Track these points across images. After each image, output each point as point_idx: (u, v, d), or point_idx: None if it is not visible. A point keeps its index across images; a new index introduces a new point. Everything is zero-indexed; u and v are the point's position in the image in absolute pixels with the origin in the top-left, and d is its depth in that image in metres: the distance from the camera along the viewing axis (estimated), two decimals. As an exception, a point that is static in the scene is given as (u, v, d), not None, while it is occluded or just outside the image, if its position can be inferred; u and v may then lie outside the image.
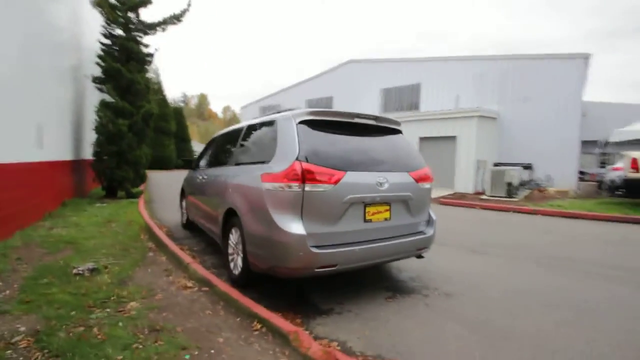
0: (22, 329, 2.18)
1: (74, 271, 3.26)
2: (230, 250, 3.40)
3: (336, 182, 2.64)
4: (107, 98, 8.30)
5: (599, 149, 20.06)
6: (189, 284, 3.12)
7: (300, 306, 2.83)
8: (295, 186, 2.53)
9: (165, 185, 14.20)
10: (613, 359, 2.10)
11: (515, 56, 15.84)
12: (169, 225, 6.03)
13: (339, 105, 22.14)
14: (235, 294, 2.74)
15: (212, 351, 2.03)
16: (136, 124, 8.37)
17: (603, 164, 20.55)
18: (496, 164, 13.94)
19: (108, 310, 2.51)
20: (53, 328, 2.18)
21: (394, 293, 3.15)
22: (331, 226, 2.65)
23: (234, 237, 3.29)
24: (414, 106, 18.94)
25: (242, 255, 3.06)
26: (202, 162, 5.58)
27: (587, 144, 18.23)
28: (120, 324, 2.29)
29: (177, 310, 2.57)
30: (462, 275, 3.64)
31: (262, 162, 2.97)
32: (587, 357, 2.12)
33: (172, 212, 7.44)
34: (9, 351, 1.92)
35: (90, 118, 8.50)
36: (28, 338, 2.06)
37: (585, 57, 14.58)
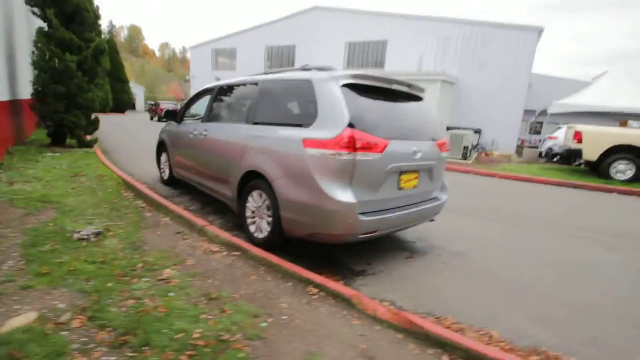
0: (62, 306, 1.96)
1: (76, 236, 2.92)
2: (248, 214, 3.30)
3: (382, 151, 2.63)
4: (46, 27, 6.85)
5: (534, 119, 22.37)
6: (215, 248, 3.00)
7: (333, 267, 2.92)
8: (347, 154, 2.47)
9: (114, 132, 12.74)
10: (598, 302, 2.59)
11: (478, 22, 16.25)
12: (146, 180, 5.55)
13: (302, 56, 21.11)
14: (275, 258, 2.72)
15: (285, 317, 2.05)
16: (86, 61, 7.14)
17: (535, 132, 23.13)
18: (449, 128, 14.84)
19: (146, 280, 2.34)
20: (100, 303, 1.99)
21: (411, 253, 3.39)
22: (373, 194, 2.69)
23: (255, 200, 3.17)
24: (380, 64, 18.83)
25: (271, 219, 2.99)
26: (191, 115, 5.09)
27: (526, 113, 20.16)
28: (172, 294, 2.17)
29: (220, 277, 2.50)
30: (460, 236, 4.00)
31: (299, 126, 2.81)
32: (581, 300, 2.57)
33: (138, 164, 6.85)
34: (64, 332, 1.73)
35: (25, 50, 7.03)
36: (78, 316, 1.86)
37: (539, 30, 15.52)
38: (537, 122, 22.55)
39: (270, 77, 3.38)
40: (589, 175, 9.36)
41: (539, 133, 23.43)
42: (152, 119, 26.09)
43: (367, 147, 2.54)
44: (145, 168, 6.51)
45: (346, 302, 2.24)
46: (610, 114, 15.05)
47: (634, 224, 5.07)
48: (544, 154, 13.41)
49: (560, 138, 13.76)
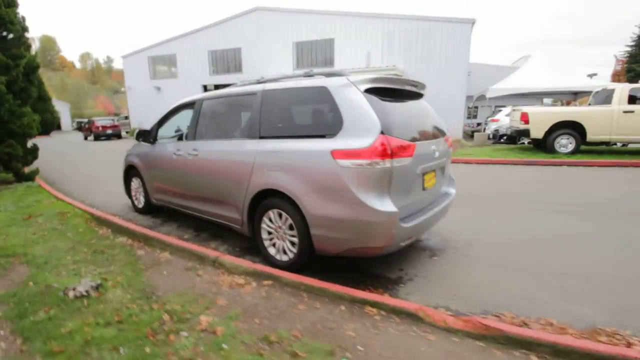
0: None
1: (72, 294, 2.43)
2: (264, 235, 3.05)
3: (413, 154, 2.57)
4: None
5: (471, 104, 24.26)
6: (240, 280, 2.70)
7: (367, 279, 2.80)
8: (384, 162, 2.36)
9: (49, 158, 11.21)
10: (609, 271, 2.80)
11: (418, 17, 17.10)
12: (115, 211, 4.92)
13: (249, 58, 20.51)
14: (315, 281, 2.52)
15: (360, 348, 1.88)
16: (17, 81, 6.12)
17: (473, 117, 25.11)
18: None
19: (185, 334, 2.01)
20: (148, 375, 1.65)
21: (432, 251, 3.39)
22: (406, 199, 2.62)
23: (273, 220, 2.93)
24: (329, 62, 18.96)
25: (296, 239, 2.78)
26: (171, 134, 4.60)
27: (466, 99, 21.75)
28: (225, 346, 1.88)
29: (265, 314, 2.24)
30: (461, 225, 4.08)
31: (320, 136, 2.62)
32: (594, 272, 2.77)
33: (95, 192, 6.12)
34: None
35: None
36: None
37: (471, 22, 16.77)
38: (473, 106, 24.53)
39: (269, 86, 3.13)
40: (536, 151, 10.34)
41: (475, 117, 25.52)
42: (86, 138, 23.61)
43: (401, 152, 2.45)
44: (106, 196, 5.79)
45: (411, 317, 2.14)
46: (533, 94, 16.97)
47: (596, 192, 5.65)
48: (491, 136, 14.55)
49: (502, 120, 15.10)
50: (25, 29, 6.49)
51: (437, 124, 3.30)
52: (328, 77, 2.76)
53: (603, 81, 15.22)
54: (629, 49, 45.10)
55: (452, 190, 3.57)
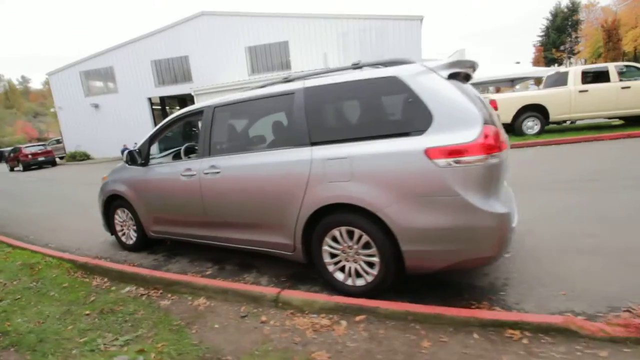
0: None
1: (110, 384, 1.73)
2: (327, 259, 2.55)
3: (507, 145, 2.28)
4: None
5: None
6: (324, 321, 2.17)
7: (457, 292, 2.44)
8: (492, 157, 2.02)
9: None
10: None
11: (371, 16, 17.38)
12: (97, 252, 4.01)
13: (199, 67, 19.29)
14: (425, 308, 2.09)
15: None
16: None
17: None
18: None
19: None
20: None
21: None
22: (502, 197, 2.31)
23: (341, 240, 2.44)
24: (286, 65, 18.51)
25: (376, 259, 2.32)
26: (161, 153, 3.86)
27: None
28: None
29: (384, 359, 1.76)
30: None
31: (402, 135, 2.20)
32: None
33: (58, 232, 5.05)
34: None
35: None
36: None
37: (420, 19, 17.44)
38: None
39: (311, 82, 2.64)
40: (508, 135, 10.88)
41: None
42: (12, 169, 20.44)
43: (503, 144, 2.13)
44: (73, 235, 4.79)
45: (563, 333, 1.81)
46: (479, 84, 18.17)
47: (584, 167, 5.92)
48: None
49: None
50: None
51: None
52: (395, 66, 2.36)
53: (530, 68, 16.74)
54: (539, 38, 50.73)
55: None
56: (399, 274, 2.32)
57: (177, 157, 4.08)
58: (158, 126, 3.62)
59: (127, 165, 3.83)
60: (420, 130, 2.15)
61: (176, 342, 2.12)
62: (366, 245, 2.37)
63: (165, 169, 3.46)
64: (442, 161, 2.04)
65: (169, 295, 2.78)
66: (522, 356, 1.72)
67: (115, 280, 3.17)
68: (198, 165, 3.13)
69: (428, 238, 2.13)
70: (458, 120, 2.08)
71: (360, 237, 2.38)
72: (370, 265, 2.41)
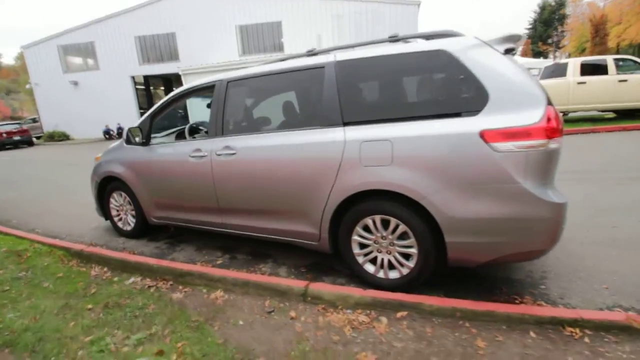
0: None
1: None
2: (357, 250, 2.36)
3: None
4: None
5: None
6: (362, 317, 1.98)
7: (494, 287, 2.31)
8: (554, 141, 1.85)
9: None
10: None
11: (367, -2, 16.88)
12: (89, 238, 3.70)
13: (187, 45, 18.40)
14: (474, 304, 1.93)
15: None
16: None
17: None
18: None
19: None
20: None
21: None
22: None
23: (377, 229, 2.24)
24: (278, 47, 17.90)
25: (414, 250, 2.14)
26: (163, 131, 3.55)
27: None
28: None
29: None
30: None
31: (452, 115, 1.99)
32: None
33: (45, 216, 4.70)
34: None
35: None
36: None
37: (417, 3, 17.09)
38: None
39: (343, 55, 2.37)
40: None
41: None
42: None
43: (561, 127, 1.96)
44: (62, 220, 4.43)
45: (626, 331, 1.69)
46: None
47: (589, 159, 5.92)
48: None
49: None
50: None
51: None
52: (441, 39, 2.13)
53: (520, 59, 16.76)
54: (527, 31, 51.32)
55: None
56: (436, 267, 2.16)
57: (179, 137, 3.76)
58: (161, 101, 3.28)
59: (125, 144, 3.49)
60: (474, 111, 1.94)
61: (198, 342, 1.89)
62: (402, 236, 2.19)
63: (171, 150, 3.16)
64: (500, 145, 1.85)
65: (181, 287, 2.54)
66: (587, 357, 1.59)
67: (117, 270, 2.89)
68: (209, 146, 2.84)
69: (477, 229, 1.96)
70: (518, 100, 1.88)
71: (396, 227, 2.19)
72: (406, 257, 2.23)
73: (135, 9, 18.15)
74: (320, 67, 2.42)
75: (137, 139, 3.30)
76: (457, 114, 1.99)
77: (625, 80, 9.03)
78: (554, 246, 1.99)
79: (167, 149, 3.20)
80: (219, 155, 2.76)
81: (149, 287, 2.58)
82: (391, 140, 2.09)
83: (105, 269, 2.93)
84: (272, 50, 17.94)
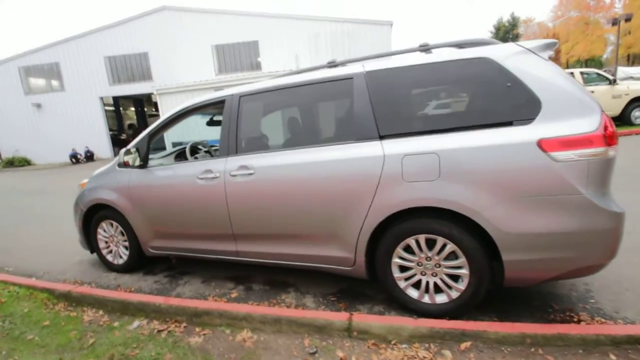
0: None
1: None
2: (397, 274, 2.16)
3: None
4: None
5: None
6: (422, 353, 1.76)
7: (535, 305, 2.17)
8: (612, 149, 1.77)
9: None
10: None
11: (342, 19, 17.34)
12: (72, 275, 3.25)
13: (161, 65, 17.93)
14: (540, 327, 1.76)
15: None
16: None
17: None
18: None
19: None
20: None
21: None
22: None
23: (421, 250, 2.06)
24: (256, 66, 17.83)
25: (465, 271, 1.98)
26: (162, 152, 3.25)
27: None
28: None
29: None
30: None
31: (503, 124, 1.87)
32: None
33: (17, 252, 4.16)
34: None
35: None
36: None
37: (390, 24, 17.75)
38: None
39: (374, 66, 2.23)
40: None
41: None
42: None
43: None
44: (37, 256, 3.91)
45: None
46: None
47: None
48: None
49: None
50: None
51: None
52: (484, 46, 2.04)
53: None
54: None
55: None
56: (494, 287, 2.00)
57: (179, 157, 3.45)
58: (162, 119, 2.99)
59: (117, 167, 3.14)
60: (526, 119, 1.84)
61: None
62: (450, 256, 2.02)
63: (174, 172, 2.85)
64: (560, 154, 1.75)
65: (198, 329, 2.20)
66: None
67: (115, 312, 2.50)
68: (222, 166, 2.58)
69: (538, 245, 1.83)
70: (571, 108, 1.80)
71: (443, 247, 2.02)
72: (454, 278, 2.06)
73: (104, 29, 17.50)
74: (347, 79, 2.27)
75: (133, 161, 2.96)
76: (508, 123, 1.88)
77: (592, 92, 9.66)
78: (613, 259, 1.89)
79: (169, 171, 2.89)
80: (234, 175, 2.50)
81: (159, 331, 2.22)
82: (437, 152, 1.95)
83: (101, 312, 2.52)
84: (250, 69, 17.84)
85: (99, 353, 2.02)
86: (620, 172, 2.56)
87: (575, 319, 1.97)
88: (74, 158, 17.89)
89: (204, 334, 2.14)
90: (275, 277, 2.85)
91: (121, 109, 23.80)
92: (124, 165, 3.03)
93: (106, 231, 3.28)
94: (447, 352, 1.75)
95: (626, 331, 1.70)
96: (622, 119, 9.58)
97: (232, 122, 2.60)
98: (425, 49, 2.27)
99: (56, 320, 2.44)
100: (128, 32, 17.57)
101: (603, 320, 1.94)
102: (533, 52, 1.93)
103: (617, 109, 9.58)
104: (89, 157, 18.41)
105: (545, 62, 1.90)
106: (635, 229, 3.09)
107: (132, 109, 25.23)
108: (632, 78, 14.92)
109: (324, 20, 17.21)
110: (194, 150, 3.58)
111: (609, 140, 1.74)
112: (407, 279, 2.16)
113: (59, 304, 2.68)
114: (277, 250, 2.50)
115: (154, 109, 24.36)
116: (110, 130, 20.04)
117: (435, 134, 2.00)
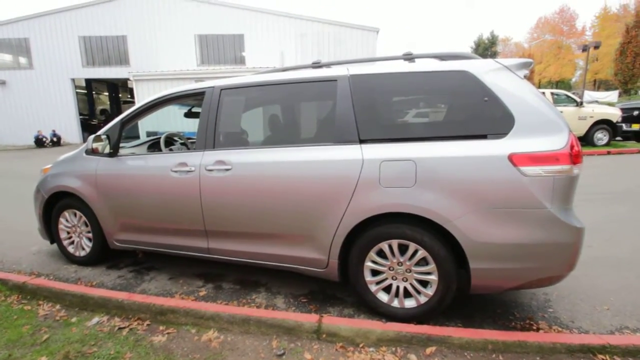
0: None
1: None
2: (369, 278, 2.18)
3: None
4: None
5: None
6: (389, 357, 1.78)
7: (497, 311, 2.26)
8: (577, 167, 1.87)
9: None
10: None
11: (329, 21, 17.39)
12: (28, 267, 3.06)
13: (139, 50, 17.26)
14: (502, 334, 1.83)
15: None
16: None
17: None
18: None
19: None
20: None
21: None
22: None
23: (393, 255, 2.09)
24: (240, 60, 17.55)
25: (434, 277, 2.03)
26: (134, 141, 3.12)
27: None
28: None
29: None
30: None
31: (478, 137, 1.93)
32: None
33: None
34: None
35: None
36: None
37: (376, 30, 17.99)
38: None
39: (358, 70, 2.24)
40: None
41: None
42: None
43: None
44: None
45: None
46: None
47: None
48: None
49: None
50: None
51: None
52: (464, 60, 2.10)
53: None
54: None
55: None
56: (461, 293, 2.06)
57: (152, 148, 3.32)
58: (135, 107, 2.87)
59: (84, 154, 2.98)
60: (500, 134, 1.91)
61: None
62: (421, 262, 2.06)
63: (146, 162, 2.74)
64: (529, 169, 1.82)
65: (162, 327, 2.12)
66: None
67: (73, 307, 2.37)
68: (197, 160, 2.50)
69: (504, 254, 1.90)
70: (542, 125, 1.89)
71: (415, 252, 2.06)
72: (424, 284, 2.10)
73: (81, 7, 16.62)
74: (331, 80, 2.27)
75: (103, 149, 2.82)
76: (482, 136, 1.94)
77: (561, 112, 10.19)
78: (571, 271, 2.00)
79: (141, 162, 2.77)
80: (210, 170, 2.44)
81: (120, 328, 2.12)
82: (415, 160, 1.98)
83: (58, 306, 2.38)
84: (233, 63, 17.53)
85: (52, 350, 1.90)
86: (582, 190, 2.72)
87: (535, 327, 2.06)
88: (39, 141, 16.87)
89: (168, 333, 2.07)
90: (247, 277, 2.81)
91: (94, 93, 22.71)
92: (92, 152, 2.88)
93: (69, 221, 3.10)
94: (413, 357, 1.79)
95: (581, 340, 1.80)
96: (586, 140, 10.18)
97: (211, 115, 2.54)
98: (409, 57, 2.31)
99: (8, 313, 2.28)
100: (107, 12, 16.79)
101: (560, 329, 2.05)
102: (510, 69, 2.01)
103: (582, 129, 10.17)
104: (56, 141, 17.41)
105: (520, 80, 1.98)
106: (593, 243, 3.29)
107: (106, 94, 24.11)
108: (597, 102, 15.97)
109: (312, 20, 17.19)
110: (169, 141, 3.47)
111: (575, 158, 1.84)
112: (378, 282, 2.18)
113: (12, 296, 2.51)
114: (250, 249, 2.45)
115: (129, 96, 23.44)
116: (81, 114, 19.06)
117: (413, 141, 2.04)
